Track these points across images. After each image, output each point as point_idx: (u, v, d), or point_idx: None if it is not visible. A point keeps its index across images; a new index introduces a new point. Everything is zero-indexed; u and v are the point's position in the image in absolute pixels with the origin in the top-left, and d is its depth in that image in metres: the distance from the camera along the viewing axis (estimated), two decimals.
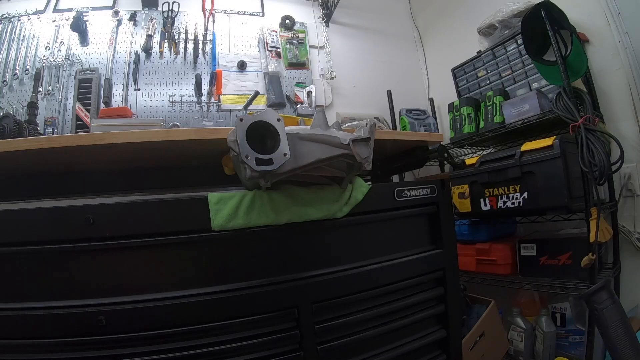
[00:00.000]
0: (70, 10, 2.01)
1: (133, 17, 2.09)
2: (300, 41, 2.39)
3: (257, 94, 1.38)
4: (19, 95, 1.85)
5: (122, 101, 1.97)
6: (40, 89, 1.86)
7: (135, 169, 0.95)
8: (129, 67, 2.01)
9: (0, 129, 1.16)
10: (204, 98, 2.10)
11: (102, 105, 1.89)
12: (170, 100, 2.04)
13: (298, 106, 2.27)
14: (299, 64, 2.35)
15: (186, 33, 2.15)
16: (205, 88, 2.11)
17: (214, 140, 0.75)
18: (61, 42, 1.96)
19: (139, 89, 2.01)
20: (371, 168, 0.71)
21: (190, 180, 1.00)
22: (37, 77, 1.85)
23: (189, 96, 2.09)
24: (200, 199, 0.72)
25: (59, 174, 0.91)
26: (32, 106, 1.66)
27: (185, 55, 2.13)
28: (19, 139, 0.72)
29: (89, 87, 1.89)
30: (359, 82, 2.52)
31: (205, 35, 2.18)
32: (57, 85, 1.90)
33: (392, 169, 1.30)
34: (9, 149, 0.70)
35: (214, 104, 2.11)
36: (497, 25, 1.82)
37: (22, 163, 0.81)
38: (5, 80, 1.85)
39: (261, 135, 0.63)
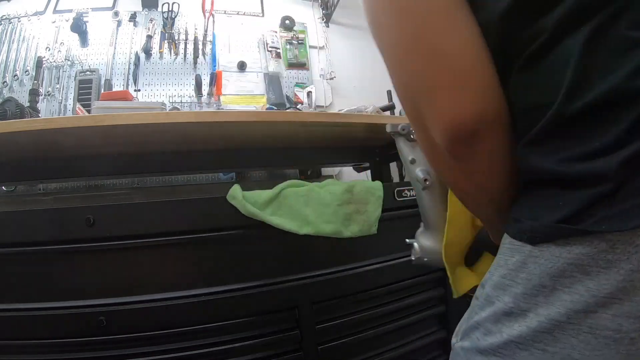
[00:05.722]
0: (70, 11, 2.01)
1: (133, 17, 2.08)
2: (300, 41, 2.39)
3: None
4: (19, 96, 1.84)
5: None
6: (41, 90, 1.86)
7: (135, 153, 0.96)
8: (129, 68, 2.01)
9: (2, 112, 1.16)
10: (204, 99, 2.10)
11: None
12: (171, 101, 2.04)
13: (298, 106, 2.27)
14: (298, 65, 2.35)
15: (186, 34, 2.15)
16: (205, 89, 2.11)
17: (214, 123, 0.75)
18: (61, 43, 1.96)
19: (139, 90, 2.01)
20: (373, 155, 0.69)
21: (191, 164, 1.01)
22: (37, 75, 1.85)
23: (189, 97, 2.08)
24: (200, 200, 0.72)
25: (58, 158, 0.91)
26: (34, 93, 1.64)
27: (185, 55, 2.12)
28: (18, 120, 0.71)
29: (89, 88, 1.88)
30: (359, 83, 2.51)
31: (205, 35, 2.17)
32: (57, 86, 1.90)
33: (390, 155, 1.33)
34: (9, 130, 0.70)
35: (214, 105, 2.11)
36: None
37: (22, 146, 0.81)
38: (5, 82, 1.85)
39: None
